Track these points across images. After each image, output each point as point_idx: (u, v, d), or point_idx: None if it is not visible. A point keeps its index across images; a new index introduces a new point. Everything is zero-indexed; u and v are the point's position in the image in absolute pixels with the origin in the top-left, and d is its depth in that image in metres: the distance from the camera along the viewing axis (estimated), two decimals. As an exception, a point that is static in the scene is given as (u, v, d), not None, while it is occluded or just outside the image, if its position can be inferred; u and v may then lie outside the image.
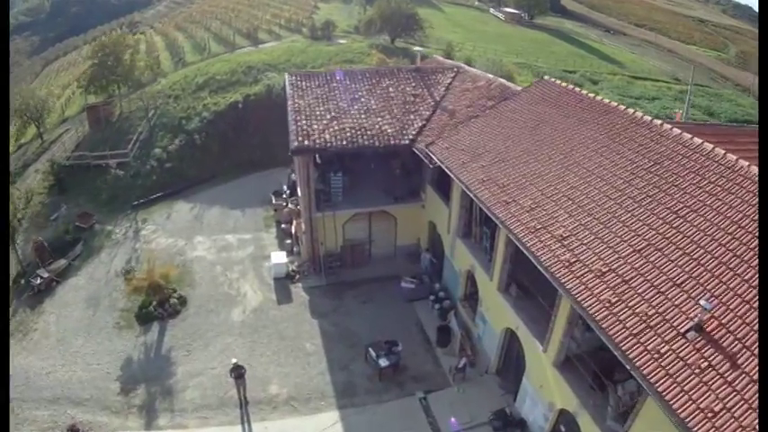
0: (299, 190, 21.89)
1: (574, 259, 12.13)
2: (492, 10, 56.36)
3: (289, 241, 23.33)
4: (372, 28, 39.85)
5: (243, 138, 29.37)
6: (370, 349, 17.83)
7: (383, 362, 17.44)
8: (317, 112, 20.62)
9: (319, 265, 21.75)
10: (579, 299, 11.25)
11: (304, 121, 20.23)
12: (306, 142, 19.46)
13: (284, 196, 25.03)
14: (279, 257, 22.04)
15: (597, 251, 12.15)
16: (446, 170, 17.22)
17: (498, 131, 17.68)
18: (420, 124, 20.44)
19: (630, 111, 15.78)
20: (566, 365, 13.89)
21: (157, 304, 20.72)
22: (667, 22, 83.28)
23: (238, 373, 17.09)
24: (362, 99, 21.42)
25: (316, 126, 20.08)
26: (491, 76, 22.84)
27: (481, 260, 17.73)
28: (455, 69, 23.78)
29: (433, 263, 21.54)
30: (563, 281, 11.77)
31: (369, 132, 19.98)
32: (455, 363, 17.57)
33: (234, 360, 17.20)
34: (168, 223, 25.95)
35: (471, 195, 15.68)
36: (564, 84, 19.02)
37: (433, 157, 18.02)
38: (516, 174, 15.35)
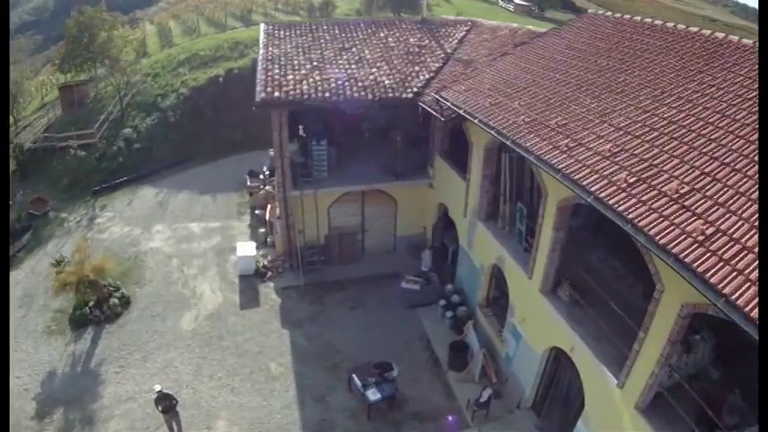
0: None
1: (712, 231, 6.19)
2: (501, 1, 50.89)
3: (263, 230, 17.47)
4: (374, 5, 34.18)
5: (222, 116, 23.76)
6: (354, 377, 11.77)
7: (372, 395, 11.34)
8: (296, 62, 14.89)
9: (297, 259, 15.86)
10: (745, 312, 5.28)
11: (277, 71, 14.59)
12: (276, 93, 13.79)
13: (262, 177, 19.29)
14: (246, 249, 16.13)
15: (747, 215, 6.23)
16: (467, 116, 11.19)
17: (538, 65, 11.71)
18: (427, 76, 14.58)
19: (719, 35, 9.89)
20: (655, 406, 7.92)
21: (95, 305, 14.99)
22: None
23: (166, 405, 11.24)
24: (354, 49, 15.70)
25: (291, 77, 14.37)
26: (515, 24, 17.09)
27: (513, 250, 11.69)
28: (469, 23, 18.06)
29: (440, 258, 15.60)
30: (703, 271, 5.81)
31: (360, 84, 14.23)
32: (475, 395, 11.48)
33: (157, 387, 11.33)
34: (128, 210, 20.26)
35: (510, 143, 9.65)
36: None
37: (447, 102, 12.17)
38: (578, 109, 9.43)
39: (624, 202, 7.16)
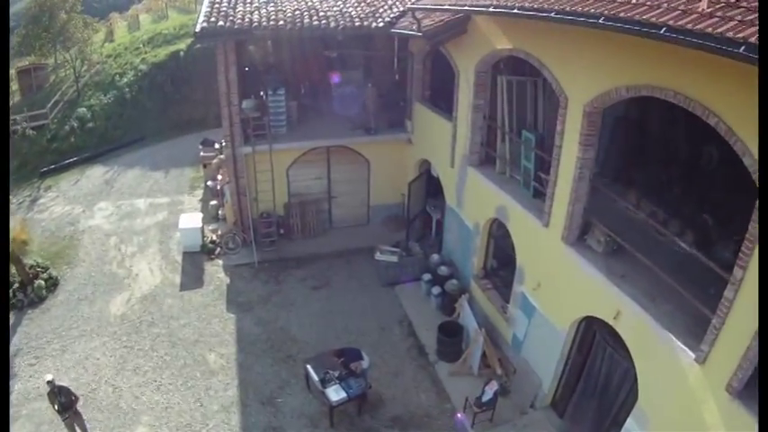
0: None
1: None
2: None
3: (214, 202, 13.52)
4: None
5: (183, 92, 19.78)
6: (309, 369, 7.92)
7: (335, 393, 7.49)
8: (247, -4, 11.44)
9: (250, 233, 11.94)
10: None
11: (225, 3, 11.02)
12: (221, 23, 10.17)
13: (217, 147, 15.48)
14: (190, 221, 12.10)
15: None
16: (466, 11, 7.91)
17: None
18: (401, 9, 11.16)
19: None
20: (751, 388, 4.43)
21: (19, 288, 11.02)
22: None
23: (63, 403, 7.33)
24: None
25: (241, 8, 10.83)
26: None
27: (519, 196, 8.08)
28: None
29: (422, 228, 11.91)
30: None
31: (322, 14, 10.71)
32: (475, 391, 7.69)
33: (48, 377, 7.44)
34: (73, 189, 16.11)
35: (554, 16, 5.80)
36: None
37: (428, 6, 8.69)
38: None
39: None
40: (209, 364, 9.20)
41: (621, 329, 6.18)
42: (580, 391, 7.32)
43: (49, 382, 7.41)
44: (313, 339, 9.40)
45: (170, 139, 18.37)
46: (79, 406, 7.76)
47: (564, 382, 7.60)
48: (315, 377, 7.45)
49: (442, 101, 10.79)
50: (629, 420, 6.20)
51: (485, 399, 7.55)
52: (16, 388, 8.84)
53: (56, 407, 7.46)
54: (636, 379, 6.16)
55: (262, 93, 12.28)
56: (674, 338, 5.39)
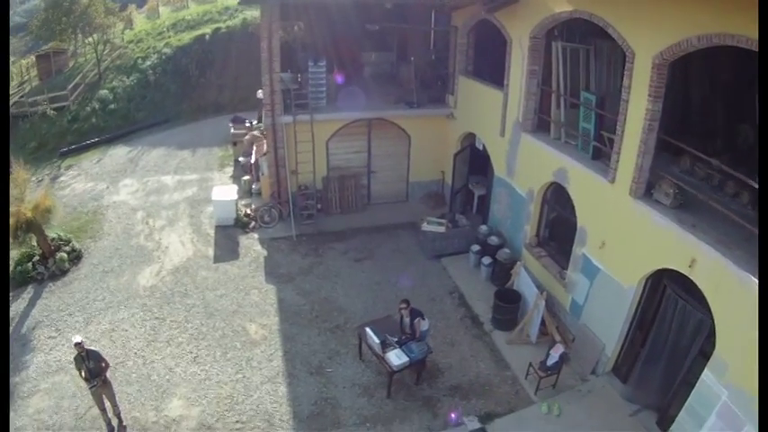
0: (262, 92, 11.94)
1: None
2: None
3: (247, 177, 13.15)
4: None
5: (208, 76, 19.49)
6: (368, 331, 7.40)
7: (396, 358, 7.05)
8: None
9: (288, 206, 11.59)
10: None
11: (269, -30, 10.70)
12: (266, -16, 9.85)
13: (248, 124, 15.09)
14: (225, 193, 11.72)
15: None
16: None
17: None
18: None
19: None
20: None
21: (39, 260, 10.48)
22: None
23: (91, 369, 6.68)
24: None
25: (286, -26, 10.54)
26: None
27: (578, 159, 7.82)
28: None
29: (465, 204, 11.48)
30: None
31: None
32: (539, 356, 7.34)
33: (77, 339, 6.84)
34: (95, 167, 15.72)
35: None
36: None
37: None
38: None
39: None
40: (249, 334, 8.73)
41: (697, 278, 5.98)
42: (646, 352, 7.02)
43: (76, 345, 6.77)
44: (360, 310, 9.02)
45: (195, 121, 18.02)
46: (108, 375, 7.14)
47: (628, 345, 7.32)
48: (375, 339, 6.97)
49: (486, 74, 10.53)
50: (705, 373, 5.94)
51: (550, 362, 7.16)
52: (35, 361, 8.35)
53: (83, 373, 6.85)
54: (711, 330, 5.94)
55: (299, 75, 11.88)
56: (754, 279, 5.01)
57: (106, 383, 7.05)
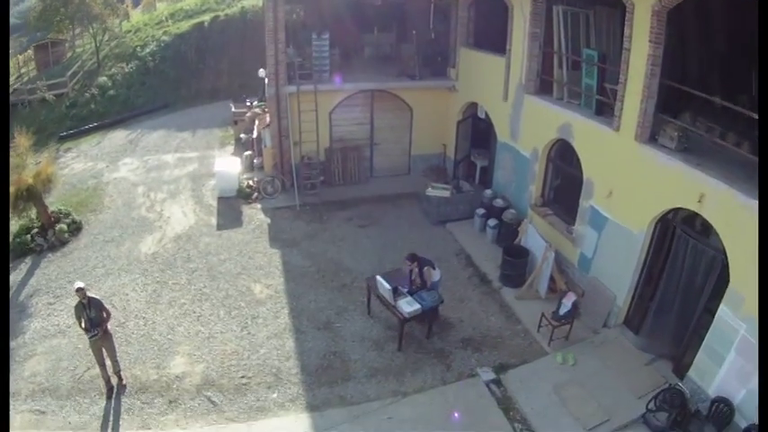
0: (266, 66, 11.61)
1: None
2: None
3: (248, 152, 12.79)
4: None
5: (208, 62, 19.18)
6: (379, 279, 7.06)
7: (407, 306, 6.76)
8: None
9: (292, 177, 11.27)
10: None
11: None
12: (270, -51, 9.61)
13: (248, 103, 14.76)
14: (227, 164, 11.47)
15: None
16: None
17: None
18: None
19: None
20: None
21: (38, 232, 10.05)
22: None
23: (92, 317, 6.28)
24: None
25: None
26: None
27: (582, 114, 7.69)
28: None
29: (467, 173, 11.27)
30: None
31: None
32: (551, 308, 7.13)
33: (78, 284, 6.44)
34: (94, 149, 15.30)
35: None
36: None
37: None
38: None
39: None
40: (254, 294, 8.43)
41: (706, 213, 5.88)
42: (658, 299, 6.82)
43: (78, 290, 6.35)
44: (368, 270, 8.73)
45: (193, 106, 17.68)
46: (109, 327, 6.69)
47: (639, 293, 7.14)
48: (386, 285, 6.66)
49: (487, 45, 10.44)
50: (721, 308, 5.78)
51: (562, 312, 6.97)
52: (32, 327, 7.96)
53: (82, 323, 6.46)
54: (724, 265, 5.81)
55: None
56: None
57: (107, 335, 6.66)
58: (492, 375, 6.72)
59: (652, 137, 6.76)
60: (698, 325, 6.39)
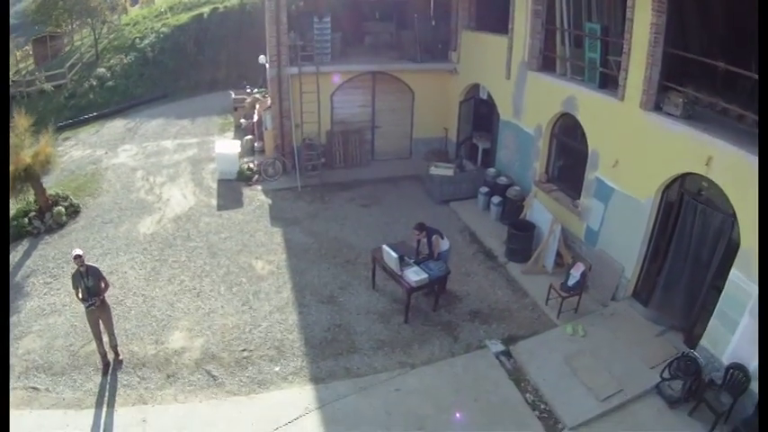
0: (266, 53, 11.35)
1: None
2: None
3: (249, 137, 12.55)
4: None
5: (207, 53, 18.88)
6: (385, 248, 6.78)
7: (414, 275, 6.51)
8: None
9: (293, 159, 11.01)
10: None
11: None
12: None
13: (249, 90, 14.46)
14: (227, 146, 11.19)
15: None
16: None
17: None
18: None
19: None
20: None
21: (36, 215, 9.67)
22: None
23: (89, 286, 5.95)
24: None
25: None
26: None
27: (585, 87, 7.55)
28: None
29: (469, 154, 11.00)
30: None
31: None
32: (559, 279, 6.89)
33: (77, 251, 6.11)
34: (93, 138, 14.95)
35: None
36: None
37: None
38: None
39: None
40: (256, 270, 8.15)
41: (714, 175, 5.72)
42: (667, 269, 6.60)
43: (76, 257, 6.02)
44: (372, 247, 8.36)
45: (192, 97, 17.35)
46: (107, 297, 6.36)
47: (648, 264, 6.93)
48: (392, 254, 6.41)
49: (488, 28, 10.24)
50: (733, 272, 5.56)
51: (571, 282, 6.74)
52: (28, 306, 7.62)
53: (79, 293, 6.14)
54: (733, 227, 5.65)
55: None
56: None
57: (104, 306, 6.35)
58: (501, 347, 6.47)
59: (657, 106, 6.59)
60: (708, 295, 6.18)
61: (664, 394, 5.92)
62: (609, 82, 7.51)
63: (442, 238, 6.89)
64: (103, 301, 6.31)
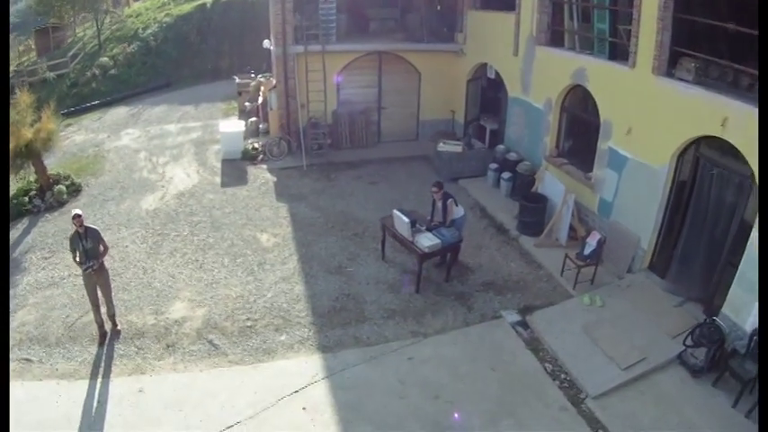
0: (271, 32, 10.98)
1: None
2: None
3: (253, 119, 12.18)
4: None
5: (210, 43, 18.55)
6: (396, 212, 6.42)
7: (426, 240, 6.14)
8: None
9: (299, 139, 10.62)
10: None
11: None
12: None
13: (253, 74, 14.11)
14: (232, 126, 10.81)
15: None
16: None
17: None
18: None
19: None
20: None
21: (36, 194, 9.26)
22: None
23: (87, 248, 5.51)
24: None
25: None
26: None
27: (597, 57, 7.27)
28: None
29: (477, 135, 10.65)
30: None
31: None
32: (575, 250, 6.56)
33: (76, 211, 5.73)
34: (95, 124, 14.52)
35: None
36: None
37: None
38: None
39: None
40: (261, 242, 7.79)
41: (730, 136, 5.40)
42: (685, 237, 6.26)
43: (76, 217, 5.62)
44: (378, 218, 7.88)
45: (196, 85, 16.95)
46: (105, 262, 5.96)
47: (664, 233, 6.58)
48: (404, 218, 6.02)
49: (494, 6, 9.92)
50: (753, 234, 5.17)
51: (587, 251, 6.39)
52: (25, 280, 7.20)
53: (77, 256, 5.70)
54: (751, 188, 5.35)
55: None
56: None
57: (103, 271, 5.93)
58: (517, 317, 6.11)
59: (668, 73, 6.31)
60: (727, 263, 5.82)
61: (687, 363, 5.55)
62: (618, 54, 7.21)
63: (457, 205, 6.55)
64: (102, 266, 5.90)
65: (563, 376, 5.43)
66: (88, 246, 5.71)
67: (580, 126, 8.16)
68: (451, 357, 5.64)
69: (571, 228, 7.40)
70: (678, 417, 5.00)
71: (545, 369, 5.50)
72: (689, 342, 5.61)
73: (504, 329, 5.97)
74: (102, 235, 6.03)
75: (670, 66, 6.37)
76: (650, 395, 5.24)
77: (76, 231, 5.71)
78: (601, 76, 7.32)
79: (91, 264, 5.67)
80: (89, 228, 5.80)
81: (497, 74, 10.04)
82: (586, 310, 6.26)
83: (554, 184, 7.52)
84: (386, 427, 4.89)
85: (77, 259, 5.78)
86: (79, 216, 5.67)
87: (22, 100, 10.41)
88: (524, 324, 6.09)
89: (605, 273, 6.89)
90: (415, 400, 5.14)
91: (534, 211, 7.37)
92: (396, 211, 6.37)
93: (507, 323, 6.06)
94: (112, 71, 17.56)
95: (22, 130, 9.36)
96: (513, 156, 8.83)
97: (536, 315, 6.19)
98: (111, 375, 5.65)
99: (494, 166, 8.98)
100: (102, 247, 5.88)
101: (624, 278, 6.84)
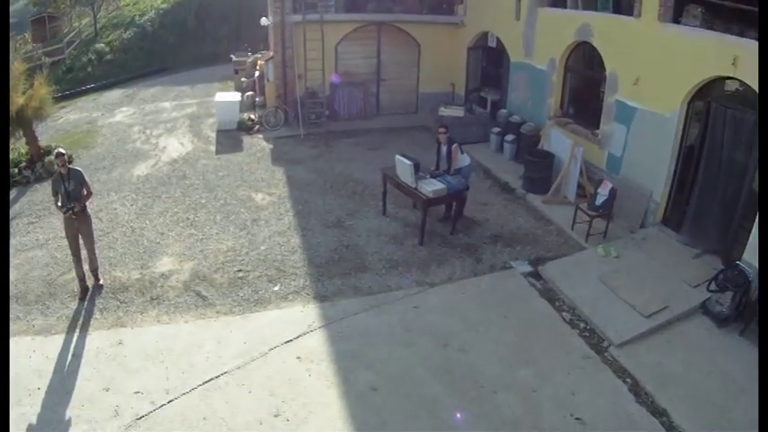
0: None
1: None
2: None
3: (250, 93, 11.48)
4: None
5: (207, 28, 17.96)
6: (399, 157, 5.82)
7: (431, 185, 5.56)
8: None
9: (296, 110, 10.04)
10: None
11: None
12: None
13: (250, 53, 13.54)
14: (228, 96, 10.21)
15: None
16: None
17: None
18: None
19: None
20: None
21: (26, 166, 8.55)
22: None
23: (70, 191, 4.87)
24: None
25: None
26: None
27: (599, 13, 6.85)
28: None
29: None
30: None
31: None
32: (588, 201, 6.05)
33: (60, 149, 5.11)
34: (90, 104, 13.78)
35: None
36: None
37: None
38: None
39: None
40: (255, 201, 7.23)
41: (742, 73, 4.97)
42: (700, 185, 5.73)
43: (59, 155, 5.03)
44: (379, 182, 7.30)
45: (193, 69, 16.29)
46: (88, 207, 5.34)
47: (677, 185, 6.06)
48: (406, 161, 5.46)
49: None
50: None
51: (599, 201, 5.84)
52: (10, 243, 6.36)
53: (59, 200, 5.08)
54: None
55: None
56: None
57: (85, 217, 5.30)
58: (528, 268, 5.56)
59: (675, 20, 5.87)
60: (746, 209, 5.27)
61: (711, 312, 5.00)
62: (623, 7, 6.73)
63: (462, 153, 6.02)
64: (84, 212, 5.28)
65: (582, 325, 4.87)
66: (70, 188, 5.08)
67: (585, 84, 7.69)
68: (461, 306, 5.07)
69: (579, 186, 6.94)
70: (710, 365, 4.44)
71: (562, 318, 4.94)
72: (713, 287, 5.11)
73: (516, 279, 5.42)
74: (87, 178, 5.45)
75: (676, 14, 5.93)
76: (678, 343, 4.68)
77: (59, 172, 5.10)
78: (606, 29, 6.87)
79: (72, 206, 5.03)
80: (72, 169, 5.18)
81: (498, 41, 9.63)
82: (601, 260, 5.70)
83: (560, 140, 7.01)
84: (391, 375, 4.31)
85: (59, 203, 5.17)
86: (62, 155, 5.07)
87: (14, 67, 9.77)
88: (536, 275, 5.53)
89: (617, 228, 6.35)
90: (423, 349, 4.56)
91: (541, 167, 6.85)
92: (398, 156, 5.82)
93: (519, 273, 5.51)
94: (108, 56, 16.89)
95: (14, 96, 8.72)
96: (516, 118, 8.27)
97: (549, 266, 5.63)
98: (90, 329, 5.01)
99: (496, 129, 8.44)
100: (85, 191, 5.27)
101: (637, 232, 6.31)
